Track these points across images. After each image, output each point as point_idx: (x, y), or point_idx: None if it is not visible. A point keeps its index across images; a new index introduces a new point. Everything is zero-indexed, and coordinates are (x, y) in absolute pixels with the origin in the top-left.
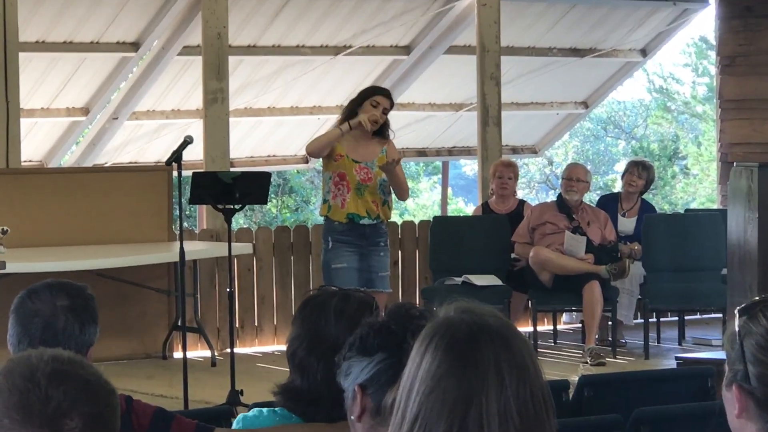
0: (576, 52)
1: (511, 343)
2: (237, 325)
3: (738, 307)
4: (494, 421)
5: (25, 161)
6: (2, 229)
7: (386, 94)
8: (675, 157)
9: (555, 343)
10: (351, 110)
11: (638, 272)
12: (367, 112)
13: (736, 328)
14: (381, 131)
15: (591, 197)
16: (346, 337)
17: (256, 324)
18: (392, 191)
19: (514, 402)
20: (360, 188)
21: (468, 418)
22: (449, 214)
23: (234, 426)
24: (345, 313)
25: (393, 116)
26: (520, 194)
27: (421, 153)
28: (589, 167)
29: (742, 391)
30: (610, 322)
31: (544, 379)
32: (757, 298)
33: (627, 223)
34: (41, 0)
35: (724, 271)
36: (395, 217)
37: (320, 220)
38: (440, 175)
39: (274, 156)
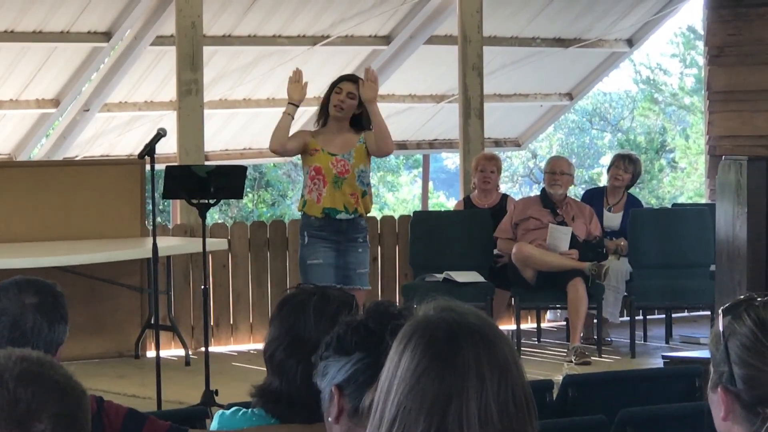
0: (560, 42)
1: (492, 342)
2: (212, 323)
3: (722, 307)
4: (474, 422)
5: None
6: None
7: (350, 78)
8: (662, 150)
9: (539, 341)
10: (323, 106)
11: (624, 269)
12: (332, 101)
13: (721, 329)
14: (358, 122)
15: (576, 191)
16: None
17: (231, 322)
18: (375, 139)
19: (495, 402)
20: (337, 181)
21: (447, 419)
22: (430, 208)
23: (212, 422)
24: (325, 312)
25: None
26: (503, 188)
27: (402, 146)
28: (573, 160)
29: (728, 393)
30: (595, 320)
31: (525, 379)
32: (742, 296)
33: (613, 218)
34: None
35: (713, 267)
36: (374, 212)
37: (298, 215)
38: (421, 169)
39: (249, 149)
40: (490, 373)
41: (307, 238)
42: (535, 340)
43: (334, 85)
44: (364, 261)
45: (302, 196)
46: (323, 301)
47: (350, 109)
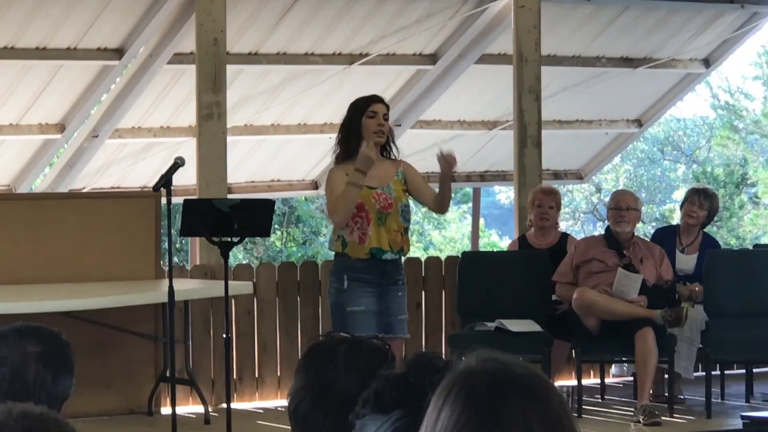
0: (628, 62)
1: (541, 396)
2: (234, 377)
3: None
4: None
5: None
6: None
7: (379, 99)
8: (743, 183)
9: (602, 398)
10: (351, 134)
11: (699, 317)
12: (369, 128)
13: None
14: (385, 146)
15: (645, 230)
16: (356, 390)
17: (256, 375)
18: (434, 202)
19: None
20: (381, 217)
21: None
22: (481, 248)
23: None
24: (356, 362)
25: (416, 135)
26: (563, 226)
27: None
28: (642, 195)
29: None
30: (666, 375)
31: None
32: None
33: (686, 261)
34: (10, 0)
35: None
36: (419, 252)
37: (331, 254)
38: (471, 204)
39: (278, 181)
40: (539, 429)
41: (347, 282)
42: (598, 398)
43: (363, 109)
44: (403, 306)
45: (339, 236)
46: (354, 350)
47: (387, 132)
